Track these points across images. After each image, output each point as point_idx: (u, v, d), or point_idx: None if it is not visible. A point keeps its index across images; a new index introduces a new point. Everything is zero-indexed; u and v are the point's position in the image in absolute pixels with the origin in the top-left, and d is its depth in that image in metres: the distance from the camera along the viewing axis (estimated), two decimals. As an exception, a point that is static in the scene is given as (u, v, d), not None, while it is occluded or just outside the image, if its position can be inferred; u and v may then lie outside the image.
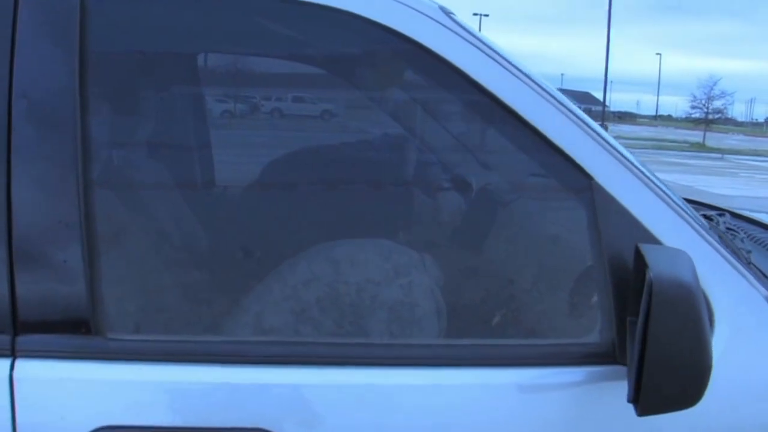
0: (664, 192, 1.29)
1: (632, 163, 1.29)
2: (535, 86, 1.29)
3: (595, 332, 1.28)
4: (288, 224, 1.80)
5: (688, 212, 1.32)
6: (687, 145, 37.85)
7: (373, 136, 2.30)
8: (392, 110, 2.14)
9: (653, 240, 1.23)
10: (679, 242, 1.23)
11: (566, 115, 1.28)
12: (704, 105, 42.97)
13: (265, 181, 1.89)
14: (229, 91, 2.47)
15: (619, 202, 1.25)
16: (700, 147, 36.55)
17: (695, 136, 43.48)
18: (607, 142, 1.29)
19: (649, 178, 1.29)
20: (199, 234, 1.71)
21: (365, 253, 1.60)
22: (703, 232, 1.28)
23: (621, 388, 1.17)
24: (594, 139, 1.28)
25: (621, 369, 1.21)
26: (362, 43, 1.46)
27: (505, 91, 1.27)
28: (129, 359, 1.18)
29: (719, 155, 31.64)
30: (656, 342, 1.02)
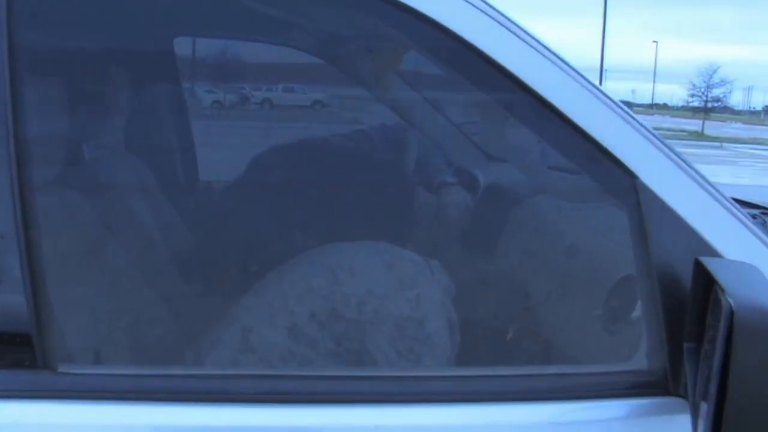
0: (719, 193, 1.09)
1: (681, 159, 1.09)
2: (560, 62, 1.08)
3: (640, 358, 1.08)
4: (277, 226, 1.62)
5: (745, 216, 1.12)
6: (685, 133, 37.67)
7: (370, 127, 2.12)
8: (398, 99, 1.94)
9: (710, 250, 1.03)
10: (742, 254, 1.03)
11: (599, 98, 1.08)
12: (703, 93, 42.89)
13: (251, 178, 1.70)
14: (215, 83, 2.31)
15: (669, 206, 1.05)
16: (699, 136, 36.41)
17: (693, 124, 43.32)
18: (652, 134, 1.09)
19: (701, 176, 1.09)
20: (170, 242, 1.51)
21: (365, 261, 1.42)
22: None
23: (676, 424, 0.99)
24: (636, 129, 1.08)
25: (675, 401, 1.02)
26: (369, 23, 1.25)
27: (522, 66, 1.06)
28: (86, 398, 0.98)
29: (718, 144, 31.53)
30: (741, 379, 0.82)
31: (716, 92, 43.41)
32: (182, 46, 2.03)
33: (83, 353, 1.09)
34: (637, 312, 1.21)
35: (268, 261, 1.45)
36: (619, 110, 1.08)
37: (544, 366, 1.18)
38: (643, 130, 1.09)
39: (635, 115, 1.11)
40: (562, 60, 1.09)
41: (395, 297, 1.35)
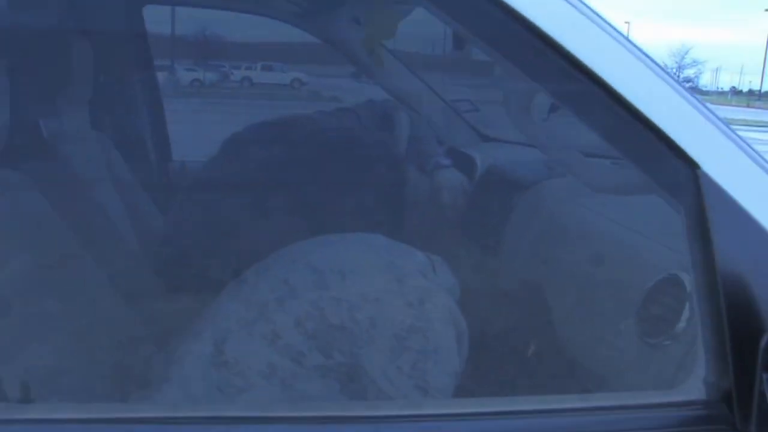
0: None
1: (751, 147, 0.90)
2: (602, 23, 0.89)
3: (695, 385, 0.90)
4: (254, 215, 1.41)
5: None
6: (656, 113, 37.85)
7: (357, 104, 1.93)
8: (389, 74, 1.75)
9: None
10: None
11: (651, 68, 0.89)
12: (675, 74, 43.40)
13: (225, 161, 1.49)
14: (191, 58, 2.15)
15: (738, 202, 0.86)
16: (670, 116, 36.69)
17: (663, 104, 43.68)
18: (714, 115, 0.90)
19: None
20: (121, 241, 1.30)
21: (358, 258, 1.23)
22: None
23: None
24: (697, 109, 0.89)
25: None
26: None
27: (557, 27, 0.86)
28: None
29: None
30: None
31: (688, 73, 43.97)
32: (154, 16, 1.87)
33: (9, 391, 0.87)
34: (683, 324, 1.04)
35: (244, 256, 1.26)
36: (678, 87, 0.89)
37: (571, 396, 0.97)
38: (704, 109, 0.89)
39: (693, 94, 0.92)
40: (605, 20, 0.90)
41: (395, 301, 1.16)
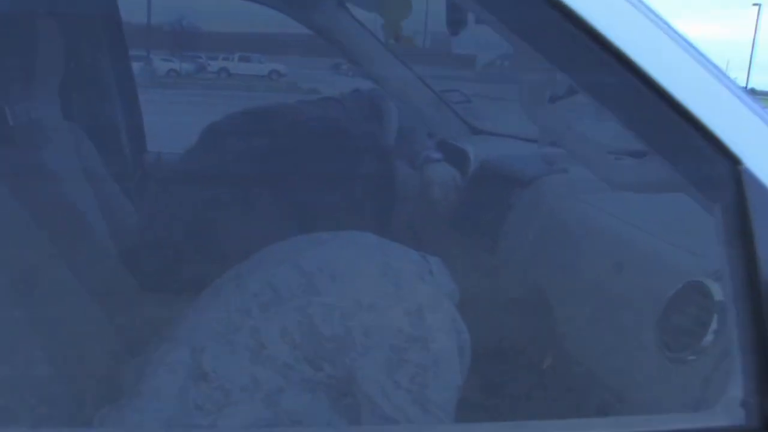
0: None
1: None
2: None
3: (728, 407, 0.81)
4: (235, 211, 1.33)
5: None
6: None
7: (342, 93, 1.84)
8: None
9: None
10: None
11: (688, 51, 0.80)
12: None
13: (203, 152, 1.39)
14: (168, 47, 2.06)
15: None
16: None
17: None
18: (758, 106, 0.81)
19: None
20: (93, 237, 1.20)
21: (350, 261, 1.13)
22: None
23: None
24: (740, 98, 0.80)
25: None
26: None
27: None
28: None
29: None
30: None
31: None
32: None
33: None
34: (710, 337, 0.94)
35: (225, 256, 1.16)
36: (718, 72, 0.79)
37: (585, 420, 0.87)
38: (746, 98, 0.80)
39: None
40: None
41: (391, 308, 1.06)
